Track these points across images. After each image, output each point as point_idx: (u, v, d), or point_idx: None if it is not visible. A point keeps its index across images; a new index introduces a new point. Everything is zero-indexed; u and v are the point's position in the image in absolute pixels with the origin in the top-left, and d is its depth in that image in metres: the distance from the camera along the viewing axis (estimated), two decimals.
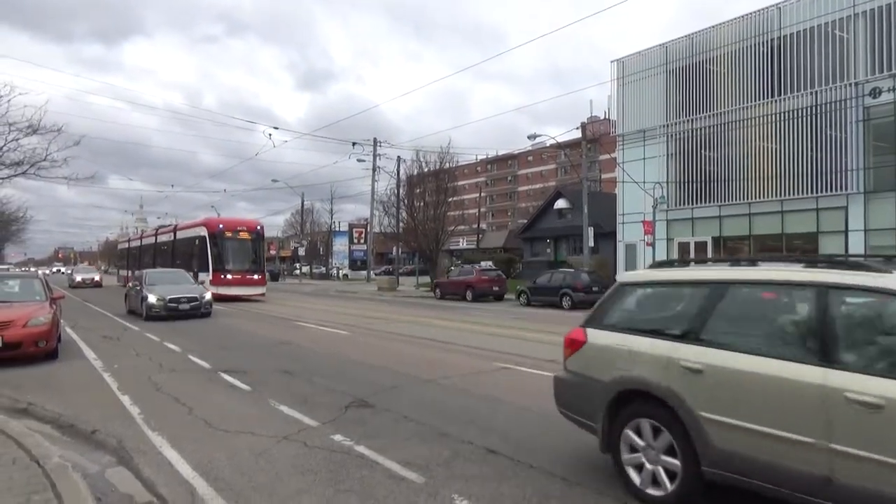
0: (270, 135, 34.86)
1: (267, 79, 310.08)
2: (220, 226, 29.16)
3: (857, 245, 22.70)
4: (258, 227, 30.68)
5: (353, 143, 35.91)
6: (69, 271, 65.49)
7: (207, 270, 27.93)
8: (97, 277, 47.03)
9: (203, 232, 29.06)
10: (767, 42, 26.88)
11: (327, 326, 16.70)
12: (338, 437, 6.02)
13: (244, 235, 29.24)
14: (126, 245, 48.54)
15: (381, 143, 39.42)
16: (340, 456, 5.49)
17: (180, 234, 33.11)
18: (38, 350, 10.54)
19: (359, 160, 37.55)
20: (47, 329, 10.66)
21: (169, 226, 38.83)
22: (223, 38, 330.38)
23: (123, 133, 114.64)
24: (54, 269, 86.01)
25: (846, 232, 23.26)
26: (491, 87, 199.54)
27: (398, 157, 39.89)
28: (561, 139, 32.01)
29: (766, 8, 27.08)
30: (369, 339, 14.02)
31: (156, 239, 38.04)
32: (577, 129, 31.81)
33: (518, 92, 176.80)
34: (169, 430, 6.37)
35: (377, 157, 40.05)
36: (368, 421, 6.67)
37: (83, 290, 38.45)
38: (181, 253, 31.85)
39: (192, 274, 25.23)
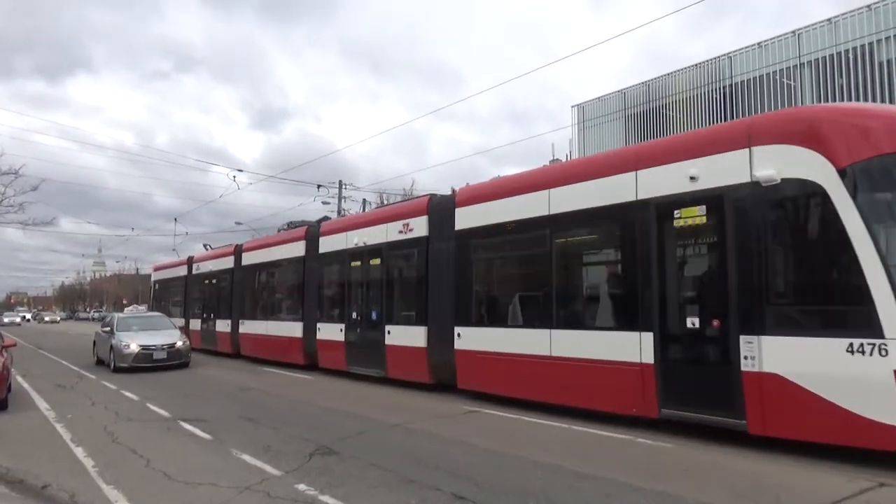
0: (234, 177, 34.68)
1: (221, 117, 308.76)
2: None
3: None
4: None
5: (319, 186, 35.78)
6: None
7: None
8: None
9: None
10: (720, 89, 28.05)
11: (293, 371, 16.39)
12: (302, 487, 5.86)
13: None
14: (179, 273, 26.59)
15: (345, 185, 39.51)
16: None
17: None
18: None
19: (324, 202, 37.45)
20: None
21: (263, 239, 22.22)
22: (173, 73, 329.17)
23: (73, 174, 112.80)
24: (19, 318, 73.61)
25: None
26: (449, 127, 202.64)
27: (364, 199, 39.99)
28: None
29: (718, 57, 28.33)
30: (335, 384, 13.80)
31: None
32: None
33: (476, 131, 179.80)
34: (125, 483, 6.13)
35: (342, 200, 40.14)
36: (333, 469, 6.52)
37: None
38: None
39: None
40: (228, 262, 21.27)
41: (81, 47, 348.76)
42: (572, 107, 33.80)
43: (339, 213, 36.81)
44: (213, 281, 22.57)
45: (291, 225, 19.14)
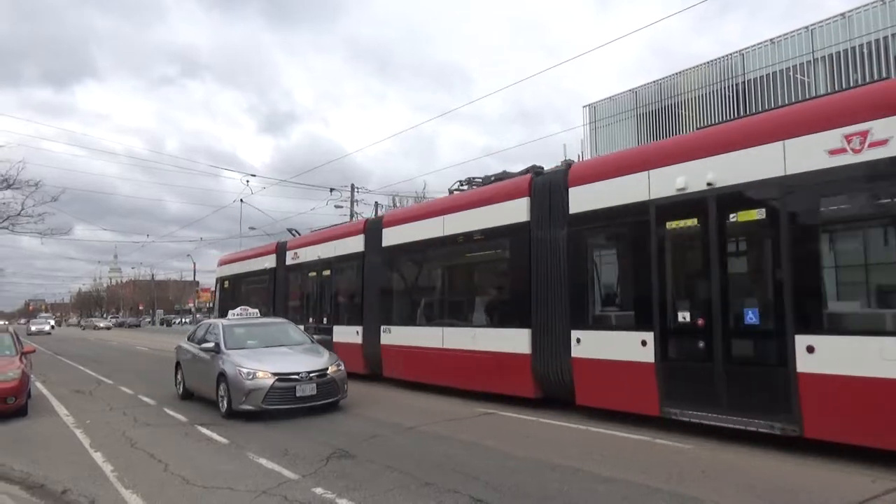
0: (248, 182, 34.96)
1: (228, 122, 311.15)
2: None
3: None
4: None
5: (331, 190, 35.92)
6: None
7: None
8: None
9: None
10: (732, 87, 27.84)
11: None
12: (319, 490, 5.88)
13: None
14: (263, 265, 20.50)
15: (357, 188, 39.64)
16: None
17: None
18: (7, 407, 10.21)
19: (336, 206, 37.60)
20: (17, 385, 10.35)
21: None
22: (179, 79, 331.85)
23: (85, 181, 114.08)
24: (48, 325, 62.76)
25: None
26: (457, 128, 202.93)
27: (375, 202, 40.08)
28: None
29: (731, 54, 28.12)
30: (350, 387, 13.80)
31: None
32: None
33: (484, 132, 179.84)
34: (144, 487, 6.17)
35: (355, 203, 40.29)
36: (350, 472, 6.53)
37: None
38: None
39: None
40: (355, 245, 15.41)
41: (87, 54, 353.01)
42: (583, 107, 33.73)
43: (351, 216, 36.95)
44: (326, 273, 16.60)
45: (505, 175, 12.05)
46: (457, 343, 11.66)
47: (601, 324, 9.20)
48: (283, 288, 18.91)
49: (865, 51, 24.16)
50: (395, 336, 13.54)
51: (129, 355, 26.97)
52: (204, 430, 9.01)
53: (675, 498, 5.37)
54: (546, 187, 10.24)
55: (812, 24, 25.86)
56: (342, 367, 10.72)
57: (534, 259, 10.22)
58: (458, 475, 6.27)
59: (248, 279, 21.53)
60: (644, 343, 8.20)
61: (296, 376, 9.86)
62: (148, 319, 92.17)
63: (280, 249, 19.38)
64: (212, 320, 12.83)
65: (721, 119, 27.36)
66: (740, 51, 27.91)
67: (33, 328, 57.48)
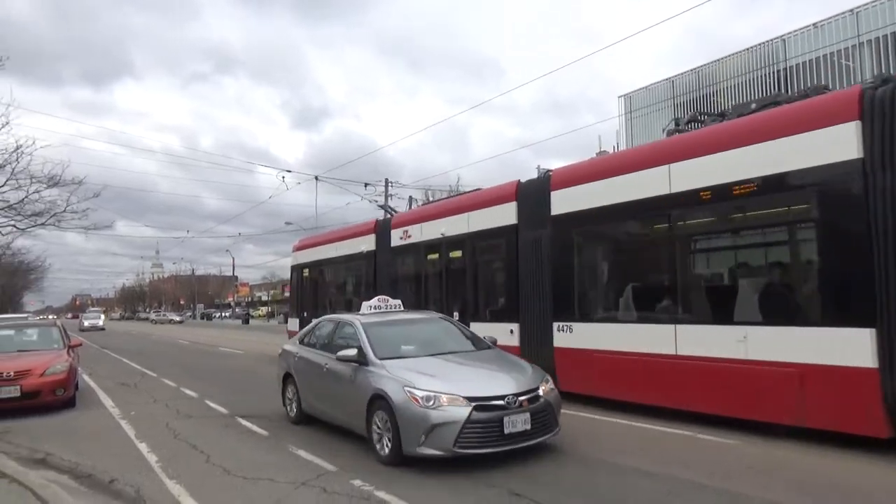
0: (283, 177, 35.43)
1: (262, 118, 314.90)
2: None
3: None
4: None
5: (366, 185, 36.12)
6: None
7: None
8: None
9: None
10: (773, 73, 27.12)
11: None
12: (357, 483, 5.90)
13: None
14: (358, 249, 16.69)
15: (391, 183, 39.84)
16: (361, 502, 5.37)
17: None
18: (56, 399, 10.52)
19: (371, 201, 37.86)
20: (65, 377, 10.67)
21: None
22: (213, 75, 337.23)
23: (125, 178, 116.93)
24: (101, 320, 56.49)
25: None
26: (489, 119, 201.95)
27: (409, 196, 40.21)
28: None
29: (771, 40, 27.40)
30: None
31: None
32: None
33: (518, 123, 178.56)
34: (187, 478, 6.29)
35: (389, 198, 40.51)
36: (389, 466, 6.55)
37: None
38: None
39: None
40: (502, 216, 11.55)
41: (124, 53, 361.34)
42: (619, 97, 33.27)
43: (385, 211, 37.19)
44: (455, 254, 12.98)
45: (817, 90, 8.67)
46: (708, 348, 7.85)
47: None
48: (388, 275, 15.14)
49: None
50: (581, 336, 9.79)
51: (172, 348, 27.61)
52: (244, 422, 9.14)
53: (722, 494, 5.25)
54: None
55: (857, 7, 25.00)
56: (552, 384, 7.17)
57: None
58: (498, 468, 6.16)
59: (335, 266, 18.12)
60: None
61: (500, 401, 6.33)
62: (189, 314, 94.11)
63: (381, 228, 15.82)
64: (339, 316, 9.31)
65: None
66: (781, 36, 27.15)
67: (86, 323, 52.77)
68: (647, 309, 8.95)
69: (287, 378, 9.42)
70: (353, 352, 7.47)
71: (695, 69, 30.15)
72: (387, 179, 38.34)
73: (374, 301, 9.25)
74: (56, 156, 41.12)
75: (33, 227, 22.42)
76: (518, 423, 6.28)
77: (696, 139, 8.62)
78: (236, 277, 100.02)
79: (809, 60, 25.85)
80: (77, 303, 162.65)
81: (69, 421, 9.82)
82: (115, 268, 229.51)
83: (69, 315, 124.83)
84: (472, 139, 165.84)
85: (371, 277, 15.82)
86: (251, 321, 68.59)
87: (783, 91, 26.41)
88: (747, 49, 28.25)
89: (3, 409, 9.94)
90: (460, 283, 12.96)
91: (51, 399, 10.43)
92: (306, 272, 19.61)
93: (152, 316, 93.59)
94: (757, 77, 27.60)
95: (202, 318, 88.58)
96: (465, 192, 13.77)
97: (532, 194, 11.06)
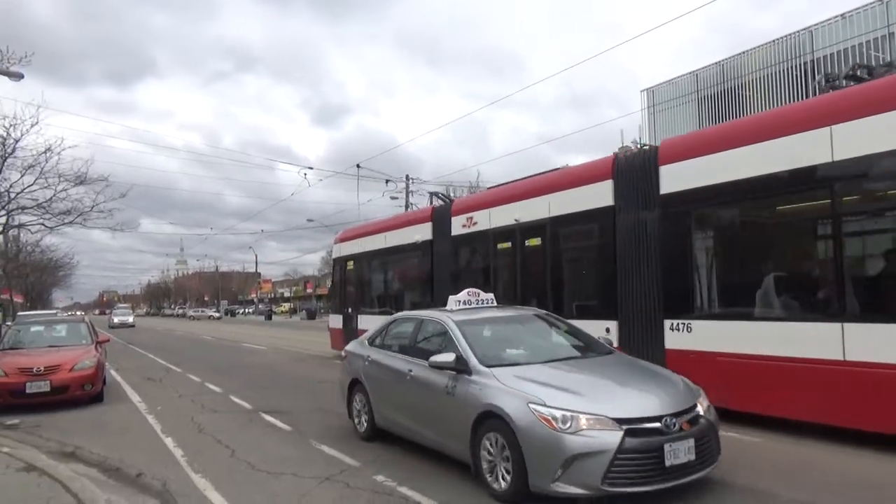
0: (305, 174, 35.72)
1: (282, 116, 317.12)
2: None
3: None
4: None
5: (387, 181, 36.25)
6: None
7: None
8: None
9: None
10: (800, 66, 26.63)
11: None
12: (380, 478, 5.94)
13: None
14: (410, 238, 15.21)
15: (412, 179, 39.88)
16: (384, 497, 5.41)
17: None
18: (85, 393, 10.73)
19: (392, 197, 37.94)
20: (93, 372, 10.87)
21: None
22: (234, 73, 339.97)
23: (149, 176, 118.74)
24: (132, 317, 55.59)
25: None
26: (509, 114, 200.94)
27: (430, 193, 40.21)
28: None
29: (798, 31, 26.89)
30: None
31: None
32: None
33: (538, 118, 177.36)
34: (212, 472, 6.37)
35: (410, 194, 40.57)
36: (410, 460, 6.58)
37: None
38: None
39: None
40: (594, 197, 10.07)
41: (146, 52, 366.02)
42: (641, 91, 32.87)
43: (406, 207, 37.22)
44: (533, 242, 11.35)
45: None
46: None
47: None
48: (448, 267, 13.65)
49: None
50: (705, 337, 8.19)
51: (195, 344, 28.00)
52: (268, 417, 9.23)
53: (746, 492, 5.19)
54: None
55: None
56: (708, 400, 5.65)
57: None
58: None
59: (384, 257, 16.66)
60: None
61: (656, 423, 4.95)
62: (216, 312, 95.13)
63: (439, 215, 14.39)
64: (421, 313, 7.86)
65: (788, 100, 26.21)
66: (808, 27, 26.63)
67: (116, 320, 51.43)
68: (801, 304, 7.52)
69: (354, 385, 7.95)
70: (449, 357, 6.02)
71: (719, 62, 29.69)
72: (407, 176, 38.44)
73: (463, 294, 7.57)
74: (83, 154, 42.19)
75: (61, 225, 22.81)
76: (681, 452, 4.86)
77: (871, 92, 7.00)
78: (259, 274, 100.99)
79: (837, 52, 25.32)
80: (104, 299, 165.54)
81: (97, 415, 10.01)
82: (140, 264, 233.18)
83: (96, 311, 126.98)
84: (491, 134, 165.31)
85: (427, 269, 14.49)
86: (273, 317, 69.25)
87: (810, 84, 25.95)
88: (772, 41, 27.76)
89: (34, 404, 10.16)
90: (539, 274, 11.36)
91: (79, 394, 10.63)
92: (351, 265, 18.30)
93: (190, 312, 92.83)
94: (783, 70, 27.12)
95: (226, 314, 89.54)
96: (546, 172, 12.02)
97: (633, 171, 9.51)
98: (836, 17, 25.76)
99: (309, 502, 5.36)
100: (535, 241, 11.25)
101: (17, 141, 18.48)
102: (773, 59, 27.41)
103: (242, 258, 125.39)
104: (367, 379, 7.62)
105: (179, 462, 6.85)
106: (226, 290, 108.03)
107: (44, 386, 10.27)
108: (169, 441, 7.91)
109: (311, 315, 61.54)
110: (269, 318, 67.75)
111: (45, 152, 19.16)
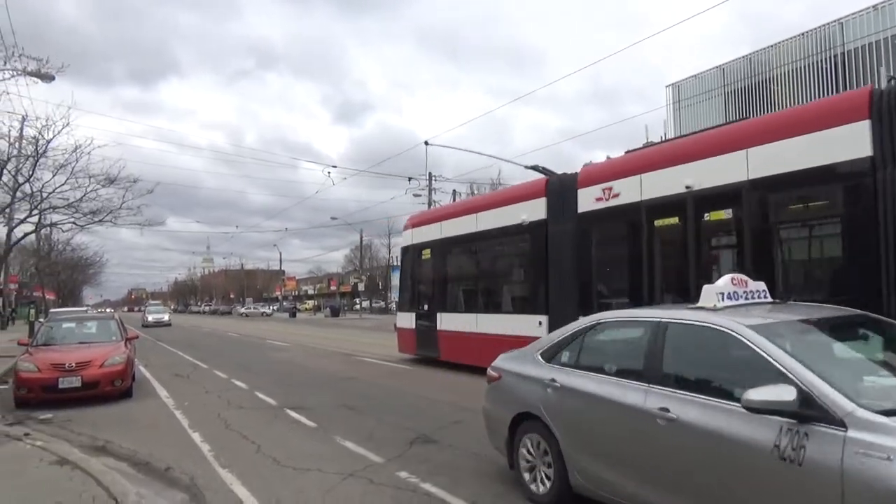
0: (329, 173, 36.15)
1: (304, 113, 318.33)
2: None
3: None
4: None
5: (410, 179, 36.36)
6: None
7: None
8: None
9: None
10: (830, 59, 26.11)
11: (390, 361, 16.73)
12: (403, 474, 5.97)
13: None
14: (512, 219, 12.53)
15: (435, 177, 39.95)
16: (407, 494, 5.43)
17: None
18: (114, 389, 10.92)
19: (415, 195, 38.07)
20: (123, 368, 11.07)
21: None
22: (256, 71, 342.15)
23: (174, 175, 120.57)
24: (167, 315, 48.63)
25: None
26: (531, 111, 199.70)
27: (454, 190, 40.27)
28: None
29: (828, 24, 26.37)
30: (432, 374, 13.97)
31: None
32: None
33: (560, 114, 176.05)
34: (238, 467, 6.46)
35: (433, 192, 40.66)
36: (434, 457, 6.59)
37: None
38: None
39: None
40: (831, 149, 7.08)
41: (169, 51, 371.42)
42: (666, 86, 32.53)
43: (429, 205, 37.31)
44: (718, 217, 8.73)
45: None
46: None
47: None
48: (570, 253, 10.98)
49: None
50: None
51: (222, 341, 28.35)
52: (293, 414, 9.31)
53: None
54: None
55: None
56: None
57: None
58: None
59: (475, 243, 14.03)
60: None
61: None
62: (242, 309, 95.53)
63: (556, 188, 11.71)
64: (659, 313, 4.77)
65: (818, 95, 25.69)
66: (839, 19, 26.09)
67: (150, 318, 45.34)
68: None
69: (523, 422, 5.34)
70: (786, 394, 3.33)
71: (746, 56, 29.23)
72: (430, 173, 38.49)
73: (725, 284, 4.71)
74: (110, 154, 43.05)
75: (91, 223, 23.22)
76: None
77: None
78: (283, 271, 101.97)
79: (869, 44, 24.78)
80: (132, 296, 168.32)
81: (127, 410, 10.19)
82: (167, 262, 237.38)
83: (125, 308, 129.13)
84: (514, 131, 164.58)
85: (539, 257, 11.84)
86: (297, 315, 69.53)
87: (841, 78, 25.39)
88: (801, 34, 27.24)
89: (66, 399, 10.38)
90: (724, 258, 8.90)
91: (109, 389, 10.83)
92: (427, 253, 15.80)
93: (241, 310, 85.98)
94: (812, 63, 26.60)
95: (290, 314, 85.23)
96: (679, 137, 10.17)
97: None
98: (868, 8, 25.21)
99: (333, 497, 5.41)
100: (720, 215, 8.66)
101: (48, 142, 18.82)
102: (803, 53, 26.93)
103: (267, 256, 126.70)
104: (555, 415, 4.97)
105: (206, 457, 6.96)
106: (251, 288, 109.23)
107: (75, 381, 10.47)
108: (196, 436, 8.03)
109: (335, 312, 61.88)
110: (293, 315, 68.16)
111: (74, 150, 19.49)
